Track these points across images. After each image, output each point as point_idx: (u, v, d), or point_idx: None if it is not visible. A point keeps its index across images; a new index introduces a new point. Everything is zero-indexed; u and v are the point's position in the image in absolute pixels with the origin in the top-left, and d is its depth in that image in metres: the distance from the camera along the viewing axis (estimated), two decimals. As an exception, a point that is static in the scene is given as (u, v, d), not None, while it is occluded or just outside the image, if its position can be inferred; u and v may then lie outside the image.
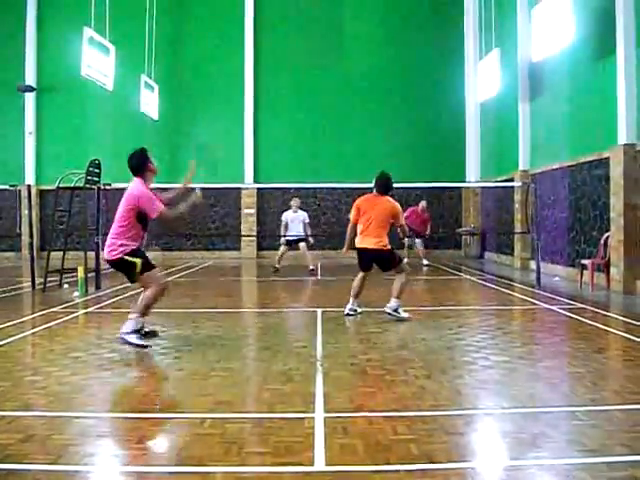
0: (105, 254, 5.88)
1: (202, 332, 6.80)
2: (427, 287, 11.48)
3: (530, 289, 10.55)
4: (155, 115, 17.73)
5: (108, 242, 5.84)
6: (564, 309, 8.25)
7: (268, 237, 18.93)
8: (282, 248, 13.77)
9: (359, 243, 7.64)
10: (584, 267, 10.65)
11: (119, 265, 5.83)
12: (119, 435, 3.68)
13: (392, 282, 7.62)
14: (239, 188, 18.72)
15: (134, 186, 5.82)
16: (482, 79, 17.02)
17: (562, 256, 12.73)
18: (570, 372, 5.08)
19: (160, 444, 3.60)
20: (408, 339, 6.34)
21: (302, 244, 13.66)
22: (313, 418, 3.83)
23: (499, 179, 16.45)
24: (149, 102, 17.25)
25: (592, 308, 8.30)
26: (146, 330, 5.97)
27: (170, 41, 19.19)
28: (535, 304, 8.93)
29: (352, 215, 7.80)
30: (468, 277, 13.08)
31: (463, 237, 19.25)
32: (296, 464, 3.12)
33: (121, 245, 5.75)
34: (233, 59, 19.25)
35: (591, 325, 7.08)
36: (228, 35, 19.37)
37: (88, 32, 12.93)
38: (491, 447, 3.54)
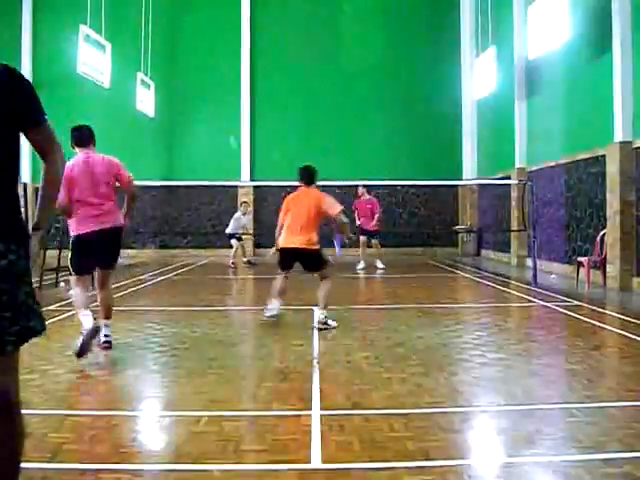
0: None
1: (198, 330, 6.79)
2: (424, 284, 11.48)
3: (526, 286, 10.56)
4: (151, 112, 17.70)
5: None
6: (560, 306, 8.26)
7: (265, 235, 18.90)
8: (235, 244, 14.91)
9: (283, 242, 6.97)
10: (580, 264, 10.67)
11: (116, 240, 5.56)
12: (115, 433, 3.67)
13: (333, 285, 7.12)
14: (235, 186, 18.68)
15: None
16: (478, 77, 17.02)
17: (558, 253, 12.75)
18: (566, 369, 5.08)
19: (156, 442, 3.60)
20: (405, 336, 6.34)
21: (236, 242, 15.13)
22: (310, 416, 3.83)
23: (496, 177, 16.46)
24: (145, 99, 17.21)
25: (588, 305, 8.32)
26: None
27: (166, 38, 19.15)
28: (531, 301, 8.94)
29: (280, 214, 7.19)
30: (465, 275, 13.10)
31: (460, 235, 19.27)
32: (292, 461, 3.12)
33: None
34: (230, 56, 19.21)
35: (587, 322, 7.09)
36: (225, 32, 19.32)
37: (84, 29, 12.90)
38: (487, 444, 3.54)
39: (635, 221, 9.80)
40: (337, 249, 7.93)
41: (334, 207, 6.93)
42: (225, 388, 4.58)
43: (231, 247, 15.02)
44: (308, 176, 7.23)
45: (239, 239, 15.00)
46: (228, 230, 14.95)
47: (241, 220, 15.09)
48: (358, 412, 3.93)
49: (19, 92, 2.31)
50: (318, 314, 6.90)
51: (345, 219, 7.13)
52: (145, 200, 19.05)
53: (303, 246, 6.83)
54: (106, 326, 5.61)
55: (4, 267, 2.20)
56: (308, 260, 6.96)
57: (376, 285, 12.25)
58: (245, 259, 15.16)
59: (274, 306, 7.09)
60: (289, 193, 7.51)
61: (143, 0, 17.27)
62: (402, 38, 19.20)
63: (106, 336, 5.58)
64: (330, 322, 6.84)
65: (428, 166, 18.06)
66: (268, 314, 7.11)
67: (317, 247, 6.92)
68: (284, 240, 6.97)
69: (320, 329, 6.72)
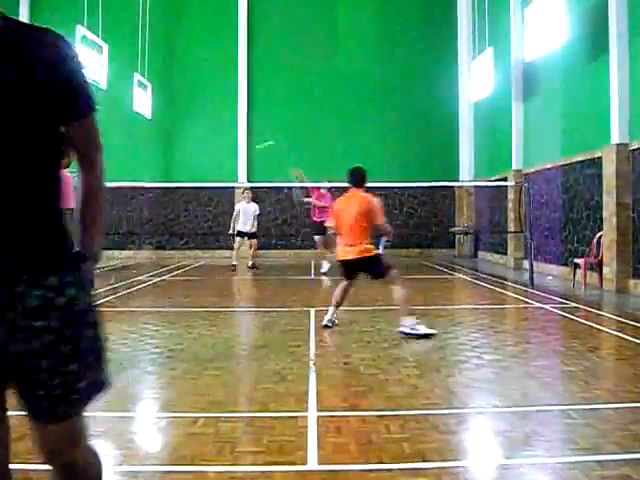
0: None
1: (195, 331, 6.78)
2: (420, 286, 11.48)
3: (523, 288, 10.57)
4: (148, 114, 17.67)
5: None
6: (557, 308, 8.27)
7: (262, 236, 18.90)
8: (237, 242, 14.18)
9: (339, 254, 6.78)
10: (577, 266, 10.69)
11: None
12: (111, 434, 3.66)
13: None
14: (233, 187, 18.67)
15: None
16: (475, 79, 17.04)
17: (555, 255, 12.77)
18: (563, 371, 5.09)
19: (153, 443, 3.59)
20: (401, 338, 6.34)
21: (254, 240, 14.35)
22: (306, 417, 3.82)
23: (492, 178, 16.48)
24: (142, 101, 17.19)
25: (585, 307, 8.33)
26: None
27: (163, 39, 19.13)
28: (528, 303, 8.95)
29: (332, 222, 6.95)
30: (461, 276, 13.10)
31: (456, 236, 19.28)
32: (289, 463, 3.12)
33: None
34: (227, 58, 19.20)
35: (584, 324, 7.10)
36: (222, 33, 19.32)
37: (81, 30, 12.88)
38: (483, 446, 3.54)
39: (631, 223, 9.82)
40: (380, 248, 7.84)
41: (381, 217, 6.68)
42: (222, 389, 4.57)
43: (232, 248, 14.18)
44: (356, 176, 7.04)
45: (253, 236, 13.91)
46: (240, 227, 13.88)
47: (249, 209, 13.91)
48: (354, 414, 3.93)
49: (63, 74, 1.72)
50: (406, 320, 6.40)
51: (389, 228, 6.99)
52: (142, 201, 19.05)
53: (360, 256, 6.58)
54: None
55: (62, 306, 1.69)
56: (368, 268, 6.69)
57: (373, 286, 12.22)
58: (236, 262, 13.99)
59: (330, 317, 6.90)
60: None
61: (140, 1, 17.27)
62: (399, 40, 19.22)
63: None
64: (418, 327, 6.34)
65: (425, 167, 18.11)
66: (323, 323, 6.88)
67: (373, 253, 6.63)
68: (340, 252, 6.78)
69: (407, 333, 6.33)
